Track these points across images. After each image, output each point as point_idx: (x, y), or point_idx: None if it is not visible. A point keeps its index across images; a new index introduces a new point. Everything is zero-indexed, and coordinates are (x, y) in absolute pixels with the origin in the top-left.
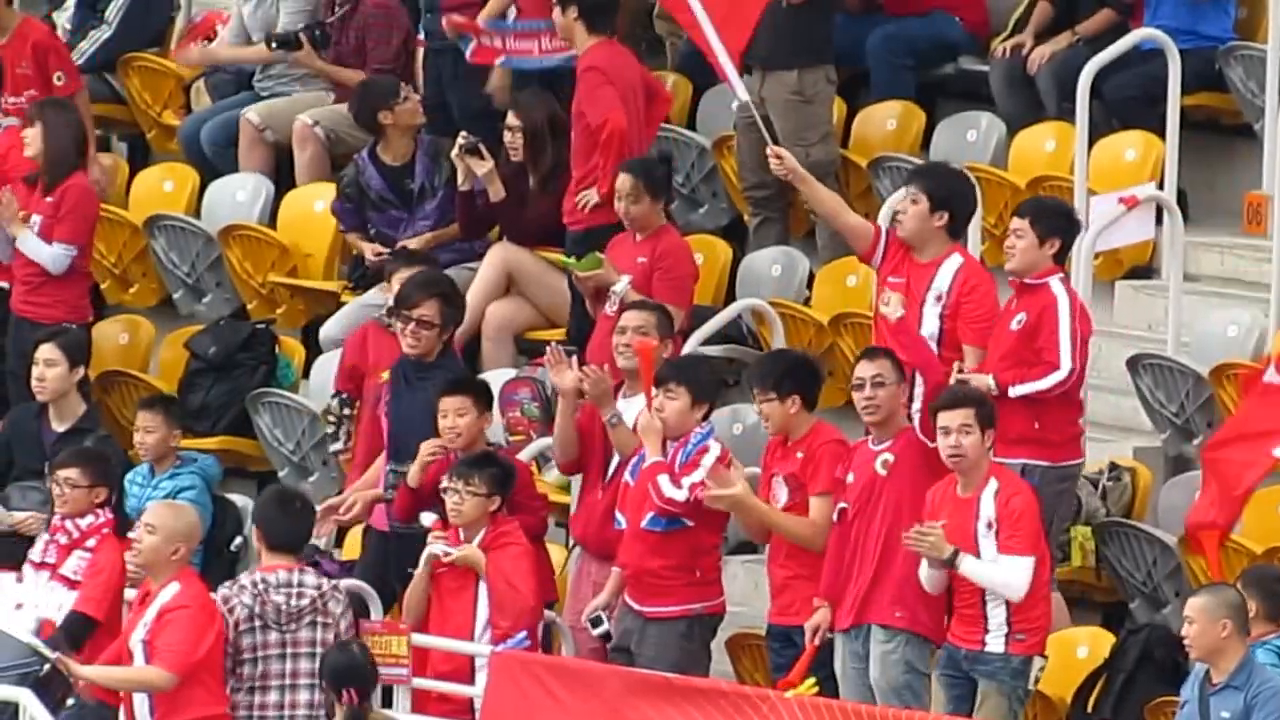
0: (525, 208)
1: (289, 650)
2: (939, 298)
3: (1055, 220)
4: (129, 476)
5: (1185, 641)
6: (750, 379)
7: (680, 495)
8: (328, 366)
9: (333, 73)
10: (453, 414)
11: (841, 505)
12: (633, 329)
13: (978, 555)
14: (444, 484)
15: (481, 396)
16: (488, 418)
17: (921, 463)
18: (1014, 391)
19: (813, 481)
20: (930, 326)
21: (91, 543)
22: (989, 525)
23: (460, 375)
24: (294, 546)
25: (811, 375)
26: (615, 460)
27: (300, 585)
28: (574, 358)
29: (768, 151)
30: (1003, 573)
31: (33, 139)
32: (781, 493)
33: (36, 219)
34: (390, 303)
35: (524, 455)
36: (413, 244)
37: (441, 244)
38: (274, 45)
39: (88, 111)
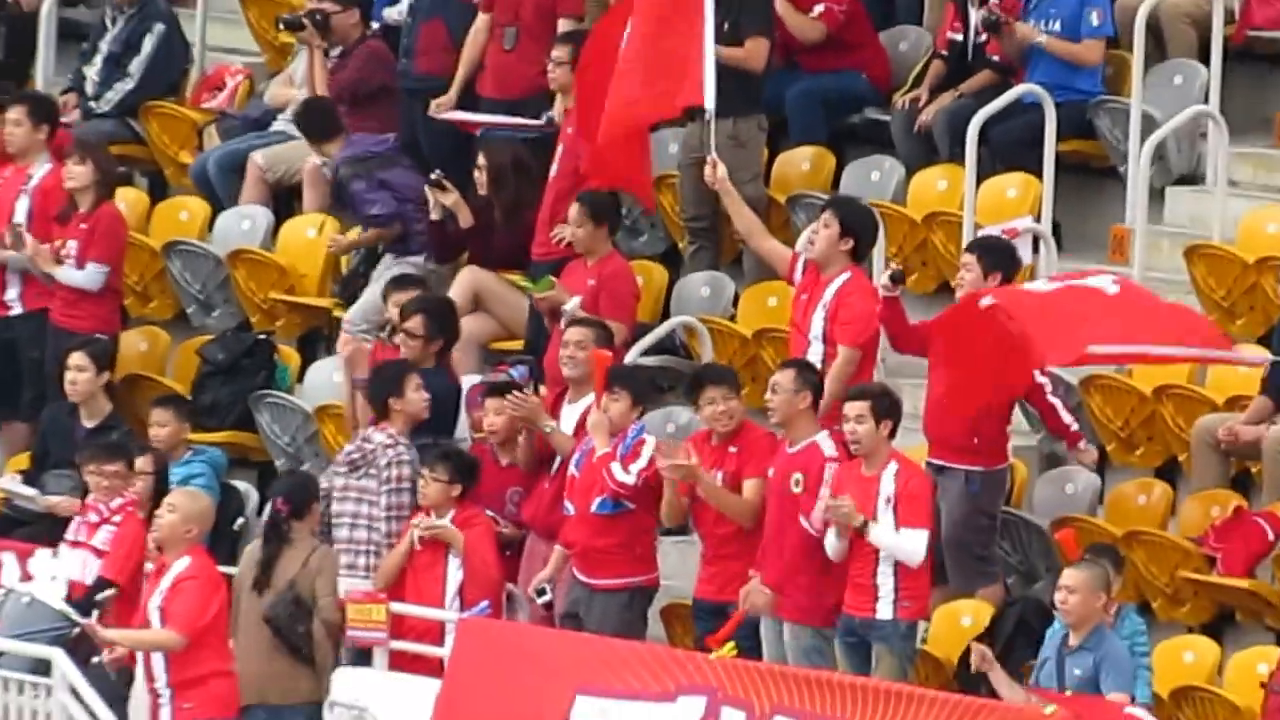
0: (491, 236)
1: (350, 494)
2: (825, 304)
3: (999, 257)
4: None
5: (1062, 609)
6: (713, 380)
7: (629, 479)
8: (320, 371)
9: (318, 65)
10: (490, 411)
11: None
12: (574, 343)
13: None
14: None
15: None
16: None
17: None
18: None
19: (748, 468)
20: (816, 329)
21: (118, 519)
22: (888, 501)
23: (501, 380)
24: (376, 408)
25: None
26: (558, 460)
27: (365, 440)
28: (527, 380)
29: (707, 159)
30: (905, 542)
31: (79, 175)
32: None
33: (72, 244)
34: (387, 320)
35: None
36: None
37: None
38: (281, 26)
39: None
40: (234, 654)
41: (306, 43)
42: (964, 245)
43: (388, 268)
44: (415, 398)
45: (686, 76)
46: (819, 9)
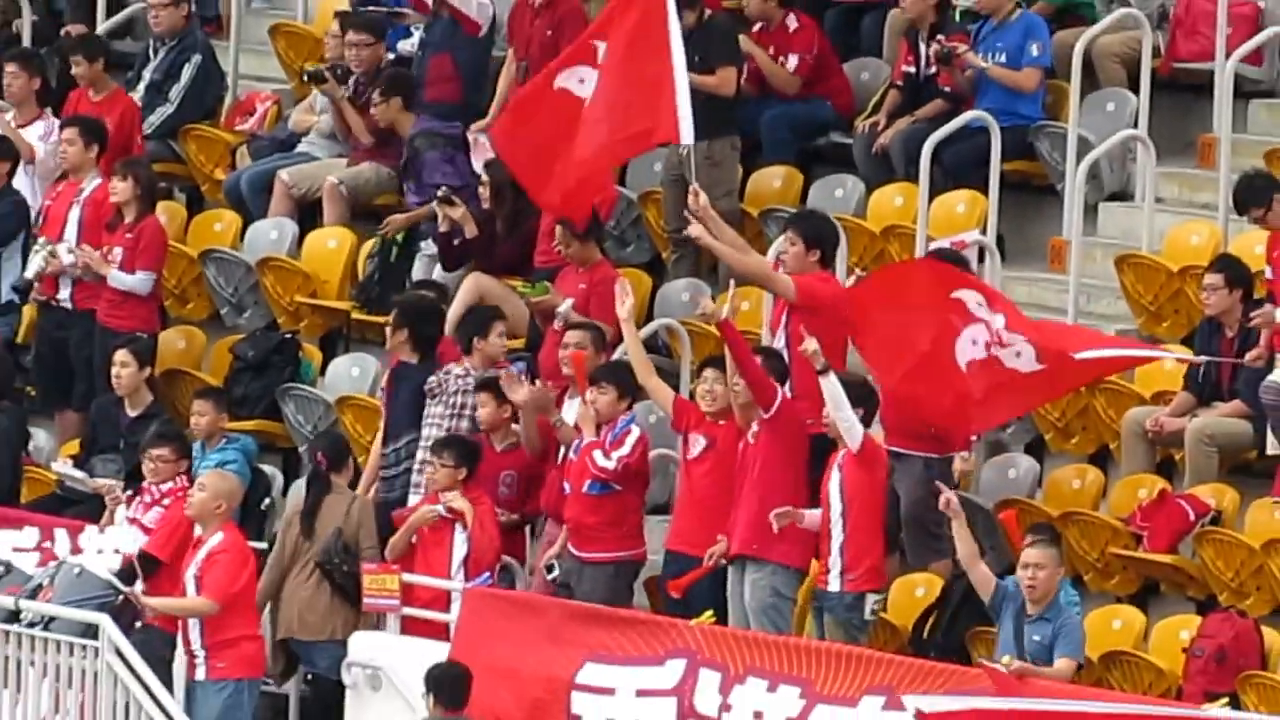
0: (494, 246)
1: (429, 419)
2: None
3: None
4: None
5: (1030, 584)
6: (711, 363)
7: (609, 465)
8: (340, 367)
9: (345, 109)
10: (479, 403)
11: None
12: (573, 344)
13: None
14: (423, 459)
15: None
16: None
17: (778, 437)
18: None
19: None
20: (780, 330)
21: (167, 501)
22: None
23: (490, 376)
24: (462, 345)
25: None
26: (564, 450)
27: (445, 373)
28: (525, 375)
29: (690, 187)
30: (846, 410)
31: (122, 190)
32: (697, 445)
33: (118, 252)
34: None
35: None
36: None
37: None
38: (305, 78)
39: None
40: (284, 593)
41: (329, 94)
42: (916, 255)
43: (424, 254)
44: (497, 342)
45: (660, 113)
46: (794, 61)
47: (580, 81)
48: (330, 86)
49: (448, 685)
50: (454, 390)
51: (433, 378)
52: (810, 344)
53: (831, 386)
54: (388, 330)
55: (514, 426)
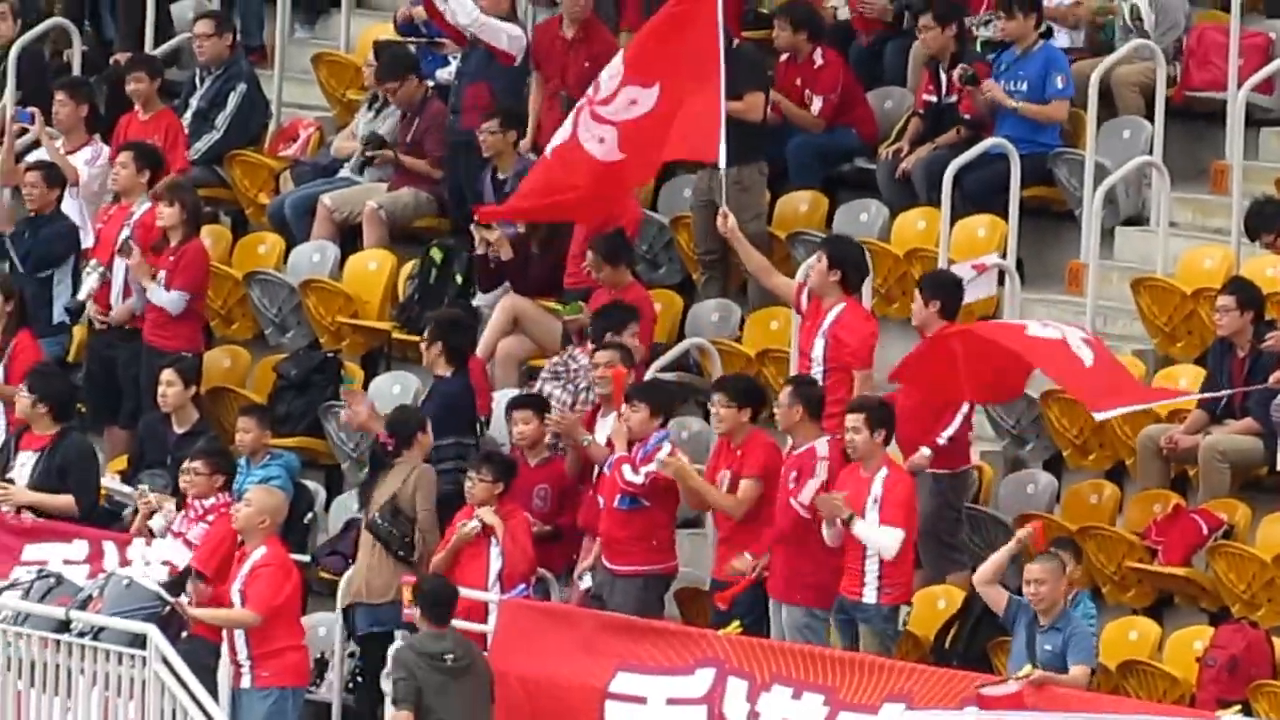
0: (528, 267)
1: (554, 400)
2: (824, 332)
3: (939, 289)
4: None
5: (1033, 596)
6: (717, 387)
7: (637, 479)
8: (381, 385)
9: (407, 163)
10: (518, 421)
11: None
12: (603, 365)
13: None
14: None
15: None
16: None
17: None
18: (941, 438)
19: (745, 468)
20: (818, 351)
21: (211, 518)
22: (875, 500)
23: (527, 395)
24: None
25: (761, 396)
26: (598, 468)
27: (570, 358)
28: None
29: (720, 210)
30: (883, 537)
31: (168, 215)
32: (724, 481)
33: (162, 273)
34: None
35: None
36: None
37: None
38: (365, 151)
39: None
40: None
41: (386, 161)
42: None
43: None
44: (630, 341)
45: (701, 134)
46: (818, 103)
47: (633, 103)
48: (385, 156)
49: (435, 601)
50: (575, 374)
51: (558, 359)
52: (835, 497)
53: (862, 532)
54: (423, 345)
55: (546, 440)
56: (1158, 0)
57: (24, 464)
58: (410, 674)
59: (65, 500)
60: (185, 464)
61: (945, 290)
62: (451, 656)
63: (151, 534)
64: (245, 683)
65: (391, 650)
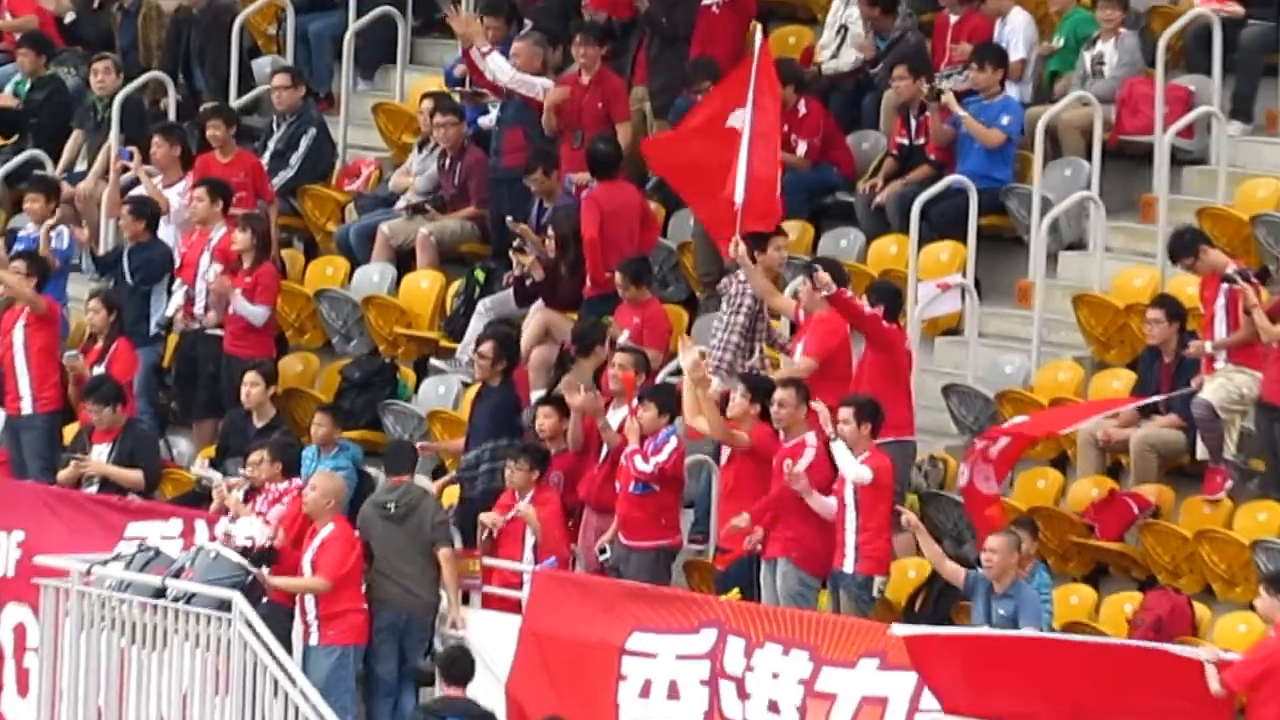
0: (557, 286)
1: (718, 318)
2: (805, 339)
3: (882, 293)
4: (304, 453)
5: (987, 564)
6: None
7: (647, 469)
8: (431, 386)
9: (445, 218)
10: (541, 416)
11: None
12: (618, 365)
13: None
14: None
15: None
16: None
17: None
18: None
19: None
20: (797, 355)
21: (285, 500)
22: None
23: (551, 394)
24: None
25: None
26: (605, 449)
27: (733, 277)
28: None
29: (733, 239)
30: (857, 466)
31: (242, 240)
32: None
33: (239, 290)
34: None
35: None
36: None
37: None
38: (411, 210)
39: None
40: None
41: (433, 218)
42: (908, 296)
43: (486, 309)
44: (775, 255)
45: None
46: (803, 146)
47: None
48: (430, 215)
49: (394, 453)
50: (735, 292)
51: (724, 279)
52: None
53: (838, 452)
54: (481, 358)
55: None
56: (1122, 45)
57: (100, 453)
58: (363, 522)
59: (135, 475)
60: (251, 454)
61: (887, 297)
62: (394, 505)
63: (234, 513)
64: (313, 640)
65: None
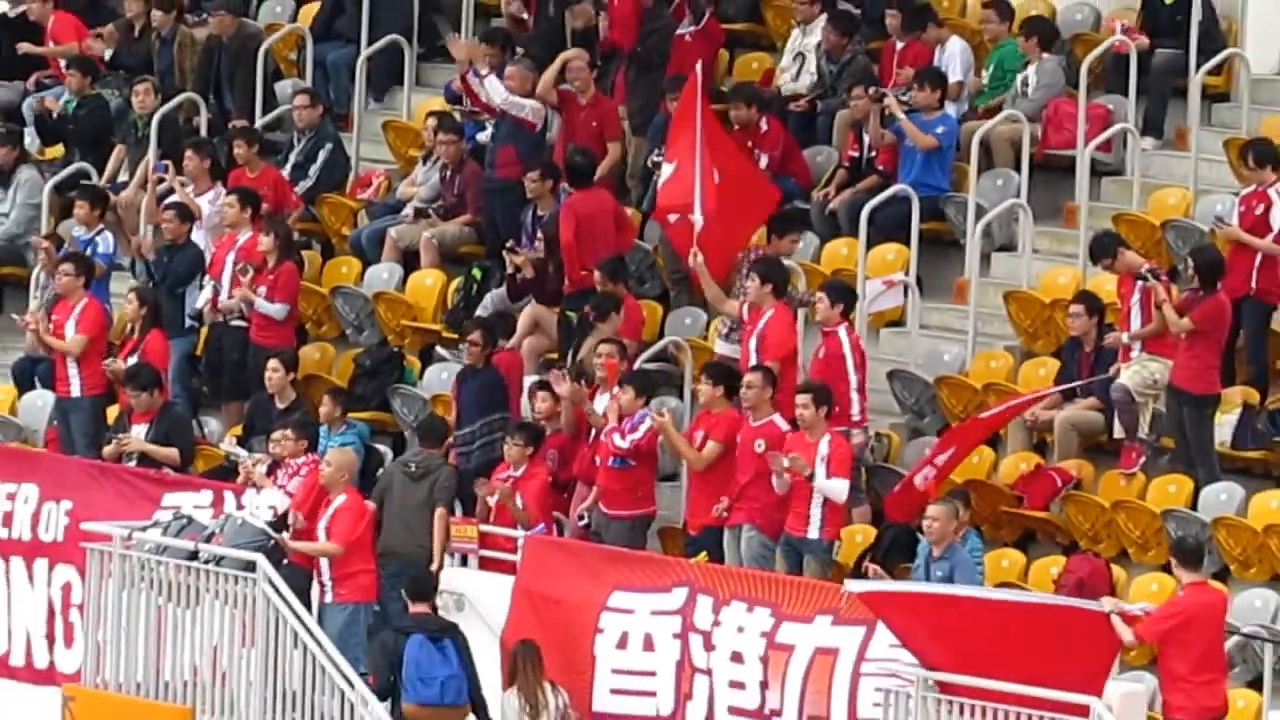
0: (546, 283)
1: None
2: (757, 333)
3: (841, 293)
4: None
5: (927, 530)
6: (703, 372)
7: (623, 445)
8: (435, 372)
9: (446, 223)
10: (538, 399)
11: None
12: (604, 354)
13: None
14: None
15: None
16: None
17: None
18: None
19: (714, 433)
20: (752, 347)
21: (304, 472)
22: (823, 458)
23: (545, 379)
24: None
25: (736, 378)
26: (594, 431)
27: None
28: (567, 375)
29: (692, 250)
30: (833, 485)
31: (265, 243)
32: (698, 440)
33: (263, 289)
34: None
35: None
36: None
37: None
38: (415, 214)
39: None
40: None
41: (434, 222)
42: (859, 289)
43: (487, 306)
44: (788, 245)
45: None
46: (765, 159)
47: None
48: (431, 220)
49: (429, 428)
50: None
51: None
52: (799, 458)
53: (820, 483)
54: (471, 345)
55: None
56: (1042, 69)
57: (139, 432)
58: (386, 477)
59: (171, 452)
60: (277, 432)
61: (843, 295)
62: (415, 466)
63: (259, 485)
64: (328, 598)
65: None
